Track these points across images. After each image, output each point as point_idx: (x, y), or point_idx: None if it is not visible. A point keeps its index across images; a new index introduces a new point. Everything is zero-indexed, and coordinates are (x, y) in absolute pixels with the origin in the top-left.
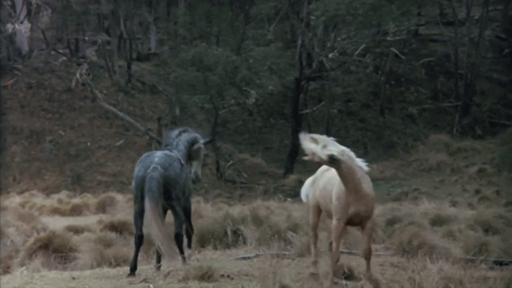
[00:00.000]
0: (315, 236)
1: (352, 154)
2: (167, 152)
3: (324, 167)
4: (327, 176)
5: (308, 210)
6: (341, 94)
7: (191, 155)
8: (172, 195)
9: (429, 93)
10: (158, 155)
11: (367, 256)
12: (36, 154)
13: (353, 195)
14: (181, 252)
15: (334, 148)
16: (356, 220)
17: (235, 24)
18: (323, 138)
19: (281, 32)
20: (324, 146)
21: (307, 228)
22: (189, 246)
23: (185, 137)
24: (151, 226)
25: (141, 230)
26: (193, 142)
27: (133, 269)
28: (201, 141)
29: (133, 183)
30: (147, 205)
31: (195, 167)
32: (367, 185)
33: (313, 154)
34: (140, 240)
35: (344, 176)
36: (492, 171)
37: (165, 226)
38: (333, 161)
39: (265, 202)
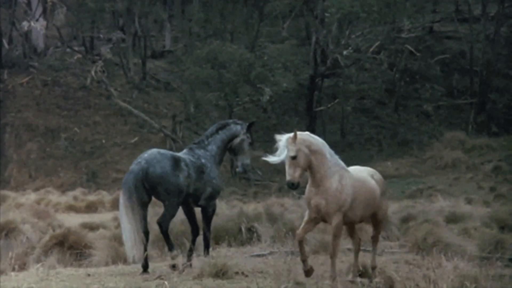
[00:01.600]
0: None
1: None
2: (162, 150)
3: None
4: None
5: None
6: (355, 91)
7: (234, 150)
8: (160, 191)
9: (444, 90)
10: (150, 151)
11: (330, 254)
12: (52, 152)
13: (315, 187)
14: (167, 243)
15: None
16: (319, 215)
17: (250, 22)
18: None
19: (296, 29)
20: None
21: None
22: (206, 251)
23: (221, 136)
24: (121, 219)
25: (145, 227)
26: (230, 139)
27: (145, 267)
28: (242, 132)
29: None
30: (121, 197)
31: (242, 160)
32: (333, 180)
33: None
34: (145, 236)
35: (312, 165)
36: (508, 169)
37: (138, 221)
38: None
39: (280, 199)
